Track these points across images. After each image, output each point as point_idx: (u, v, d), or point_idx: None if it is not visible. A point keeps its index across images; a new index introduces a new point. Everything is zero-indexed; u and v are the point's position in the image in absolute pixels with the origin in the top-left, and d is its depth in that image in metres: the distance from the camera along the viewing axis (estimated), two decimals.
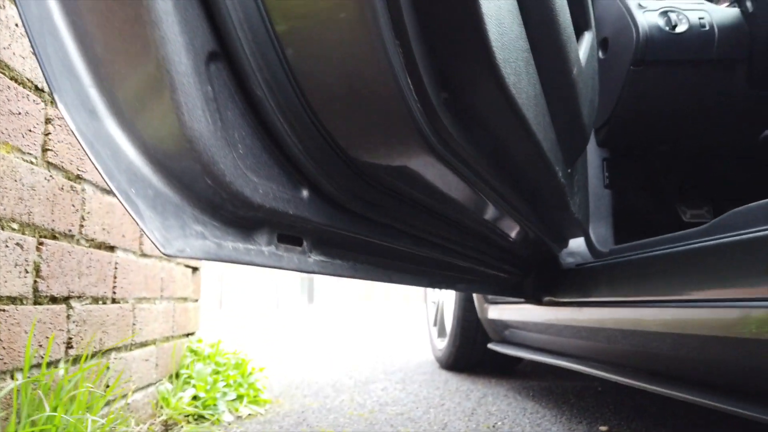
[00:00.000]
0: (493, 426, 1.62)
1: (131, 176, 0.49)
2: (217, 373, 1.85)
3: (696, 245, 1.09)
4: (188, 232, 0.51)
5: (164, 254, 0.47)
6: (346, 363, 3.18)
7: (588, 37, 1.17)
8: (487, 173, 0.92)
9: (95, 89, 0.49)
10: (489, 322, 2.34)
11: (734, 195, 1.77)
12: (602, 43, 1.86)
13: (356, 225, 0.78)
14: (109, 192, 1.29)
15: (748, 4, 1.70)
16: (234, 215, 0.58)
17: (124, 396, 1.34)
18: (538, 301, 1.77)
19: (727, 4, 1.82)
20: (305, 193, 0.67)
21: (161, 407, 1.56)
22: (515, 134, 0.83)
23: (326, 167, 0.67)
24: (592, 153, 1.91)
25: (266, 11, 0.57)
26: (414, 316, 10.16)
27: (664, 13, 1.71)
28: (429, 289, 3.32)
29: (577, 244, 1.77)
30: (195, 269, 2.00)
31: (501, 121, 0.77)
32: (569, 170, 1.30)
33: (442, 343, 2.87)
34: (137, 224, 0.46)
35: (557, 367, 2.93)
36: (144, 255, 1.49)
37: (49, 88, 0.46)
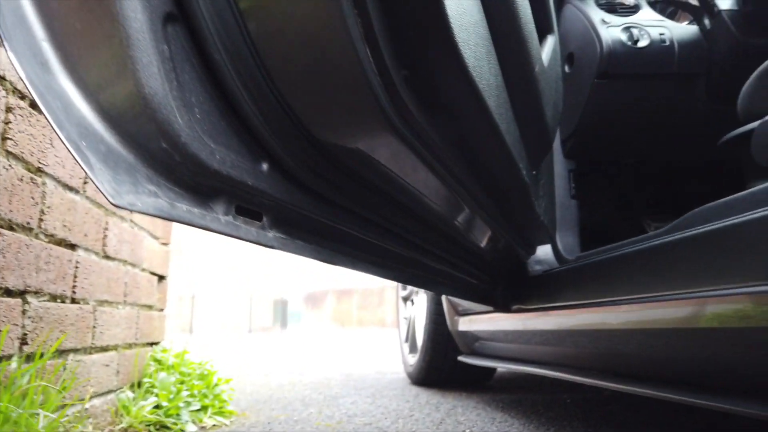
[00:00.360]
0: None
1: (82, 130, 0.48)
2: (182, 382, 1.80)
3: (656, 242, 1.12)
4: (140, 189, 0.51)
5: (113, 204, 0.47)
6: (316, 381, 3.14)
7: (551, 41, 1.21)
8: (452, 163, 0.93)
9: (48, 43, 0.49)
10: (459, 334, 2.34)
11: (698, 207, 1.81)
12: (568, 57, 1.91)
13: (319, 207, 0.77)
14: (72, 189, 1.27)
15: (706, 22, 1.77)
16: (190, 180, 0.57)
17: (82, 400, 1.30)
18: (507, 309, 1.78)
19: (687, 21, 1.90)
20: (265, 166, 0.66)
21: (121, 415, 1.51)
22: (477, 122, 0.84)
23: (287, 142, 0.67)
24: (559, 164, 1.94)
25: None
26: (388, 340, 10.09)
27: (627, 29, 1.77)
28: (402, 307, 3.30)
29: (545, 252, 1.79)
30: (162, 277, 1.97)
31: (462, 106, 0.78)
32: (534, 172, 1.32)
33: (414, 359, 2.86)
34: (86, 173, 0.45)
35: (527, 382, 2.93)
36: (107, 257, 1.46)
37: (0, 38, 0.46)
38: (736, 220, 0.90)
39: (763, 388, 0.89)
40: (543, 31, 1.18)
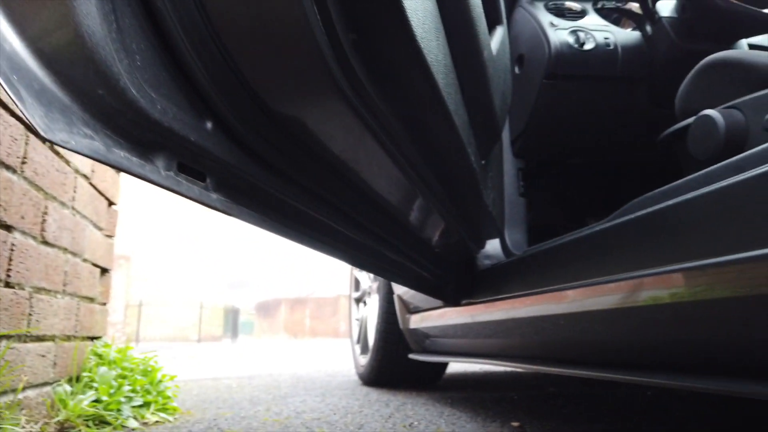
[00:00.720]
0: (410, 425, 1.61)
1: (14, 65, 0.46)
2: (124, 377, 1.74)
3: (596, 229, 1.15)
4: (75, 130, 0.49)
5: (45, 139, 0.45)
6: (265, 383, 3.09)
7: (500, 32, 1.23)
8: (402, 143, 0.93)
9: None
10: (410, 332, 2.35)
11: None
12: (519, 59, 1.95)
13: (267, 175, 0.77)
14: (9, 167, 1.22)
15: (648, 28, 1.85)
16: (130, 130, 0.56)
17: (14, 390, 1.24)
18: (457, 303, 1.80)
19: (630, 28, 1.97)
20: (209, 124, 0.65)
21: (58, 409, 1.45)
22: (427, 99, 0.85)
23: (233, 101, 0.66)
24: (509, 163, 1.98)
25: None
26: (341, 349, 10.02)
27: (574, 32, 1.83)
28: (354, 309, 3.29)
29: (493, 248, 1.82)
30: (105, 270, 1.91)
31: (411, 79, 0.79)
32: (483, 162, 1.34)
33: (365, 359, 2.85)
34: (16, 106, 0.43)
35: (477, 381, 2.96)
36: (46, 243, 1.41)
37: None
38: (668, 203, 0.94)
39: (698, 362, 0.93)
40: (492, 21, 1.21)
